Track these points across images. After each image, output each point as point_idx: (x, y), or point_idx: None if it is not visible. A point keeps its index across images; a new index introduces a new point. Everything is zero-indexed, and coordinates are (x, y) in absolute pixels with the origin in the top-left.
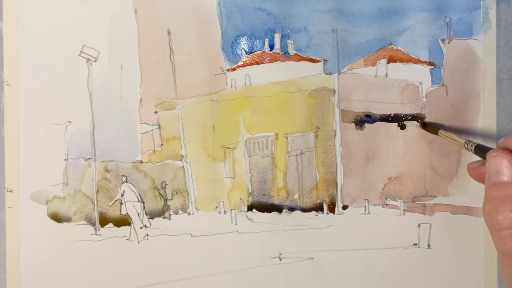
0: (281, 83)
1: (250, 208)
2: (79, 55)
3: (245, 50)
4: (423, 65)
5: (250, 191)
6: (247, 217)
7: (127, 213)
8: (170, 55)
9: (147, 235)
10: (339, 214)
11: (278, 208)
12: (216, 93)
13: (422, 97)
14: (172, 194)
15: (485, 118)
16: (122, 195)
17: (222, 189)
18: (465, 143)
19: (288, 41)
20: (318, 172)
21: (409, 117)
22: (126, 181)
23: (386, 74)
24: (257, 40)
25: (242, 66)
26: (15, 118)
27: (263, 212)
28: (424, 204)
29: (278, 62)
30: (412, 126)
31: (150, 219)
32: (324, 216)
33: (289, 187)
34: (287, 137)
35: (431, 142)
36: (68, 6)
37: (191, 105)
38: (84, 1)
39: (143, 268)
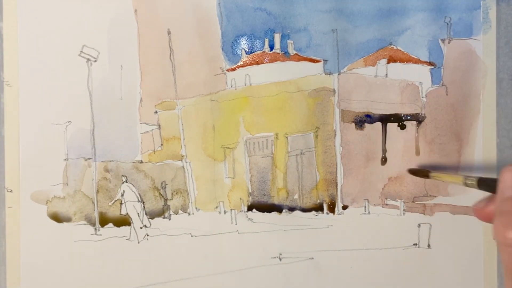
0: (281, 83)
1: (250, 208)
2: (79, 55)
3: (245, 50)
4: (423, 65)
5: (250, 191)
6: (247, 217)
7: (127, 213)
8: (170, 55)
9: (147, 235)
10: (339, 214)
11: (278, 208)
12: (216, 93)
13: (422, 97)
14: (172, 194)
15: (485, 118)
16: (122, 195)
17: (222, 189)
18: (464, 179)
19: (288, 41)
20: (318, 172)
21: (409, 117)
22: (126, 181)
23: (386, 74)
24: (257, 40)
25: (242, 66)
26: (15, 118)
27: (263, 212)
28: (424, 204)
29: (278, 62)
30: (412, 126)
31: (150, 219)
32: (324, 216)
33: (289, 187)
34: (287, 137)
35: (431, 142)
36: (68, 6)
37: (191, 105)
38: (84, 1)
39: (143, 268)
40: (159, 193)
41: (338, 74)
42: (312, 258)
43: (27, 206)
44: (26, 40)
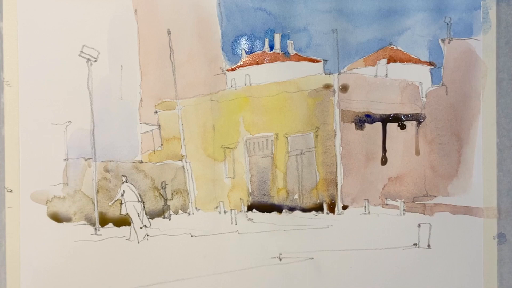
0: (281, 83)
1: (250, 208)
2: (79, 55)
3: (245, 50)
4: (423, 65)
5: (250, 191)
6: (247, 217)
7: (127, 213)
8: (170, 55)
9: (147, 235)
10: (339, 214)
11: (278, 208)
12: (216, 93)
13: (422, 97)
14: (172, 194)
15: (485, 118)
16: (122, 195)
17: (222, 189)
18: None
19: (288, 41)
20: (318, 172)
21: (409, 117)
22: (126, 181)
23: (386, 74)
24: (257, 40)
25: (242, 66)
26: (15, 118)
27: (263, 212)
28: (424, 204)
29: (278, 62)
30: (412, 126)
31: (150, 219)
32: (324, 216)
33: (289, 187)
34: (287, 137)
35: (431, 142)
36: (68, 6)
37: (191, 105)
38: (84, 1)
39: (143, 268)
40: (159, 193)
41: (338, 74)
42: (312, 258)
43: (27, 206)
44: (26, 40)
